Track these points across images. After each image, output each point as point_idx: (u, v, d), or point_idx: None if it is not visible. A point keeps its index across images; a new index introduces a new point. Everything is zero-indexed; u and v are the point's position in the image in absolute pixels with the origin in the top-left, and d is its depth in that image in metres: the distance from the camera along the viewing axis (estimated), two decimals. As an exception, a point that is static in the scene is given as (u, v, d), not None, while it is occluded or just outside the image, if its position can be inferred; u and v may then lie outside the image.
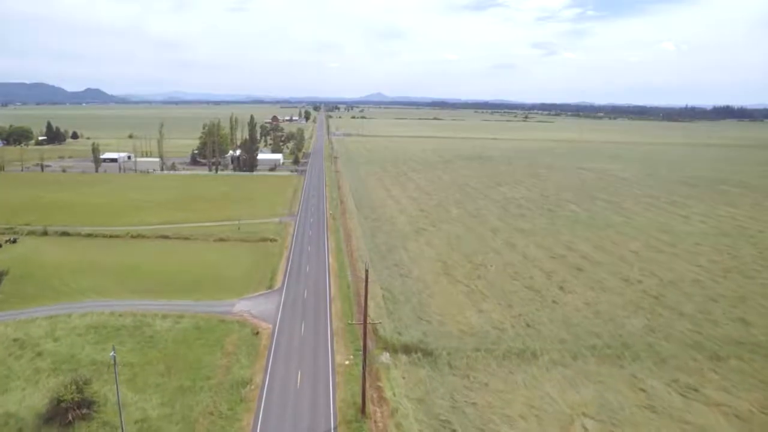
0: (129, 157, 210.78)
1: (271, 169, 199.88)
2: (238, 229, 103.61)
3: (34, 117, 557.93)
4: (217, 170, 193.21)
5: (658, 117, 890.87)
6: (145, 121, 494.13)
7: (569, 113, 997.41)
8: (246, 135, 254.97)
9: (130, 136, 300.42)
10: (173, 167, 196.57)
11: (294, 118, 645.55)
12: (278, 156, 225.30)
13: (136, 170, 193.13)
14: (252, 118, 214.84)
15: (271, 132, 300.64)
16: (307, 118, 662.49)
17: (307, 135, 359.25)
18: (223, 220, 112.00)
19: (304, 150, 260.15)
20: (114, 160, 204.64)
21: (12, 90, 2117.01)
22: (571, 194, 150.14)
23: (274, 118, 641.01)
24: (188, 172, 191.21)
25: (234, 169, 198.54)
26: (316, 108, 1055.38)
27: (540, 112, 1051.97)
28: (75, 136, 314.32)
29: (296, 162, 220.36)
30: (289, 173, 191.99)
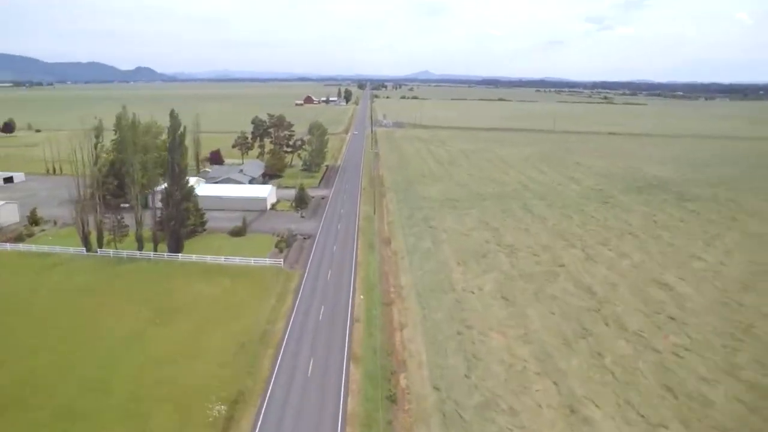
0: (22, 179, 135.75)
1: (236, 234, 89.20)
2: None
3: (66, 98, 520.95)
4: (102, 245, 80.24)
5: (738, 96, 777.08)
6: (177, 99, 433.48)
7: (645, 93, 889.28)
8: (247, 135, 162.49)
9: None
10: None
11: (332, 99, 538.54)
12: (264, 193, 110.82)
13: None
14: (173, 112, 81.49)
15: (274, 130, 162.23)
16: (347, 99, 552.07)
17: (341, 128, 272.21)
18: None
19: (327, 163, 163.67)
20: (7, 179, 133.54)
21: (68, 69, 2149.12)
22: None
23: (307, 99, 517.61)
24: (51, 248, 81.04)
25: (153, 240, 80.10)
26: (361, 86, 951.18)
27: (603, 90, 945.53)
28: (35, 129, 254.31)
29: (301, 204, 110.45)
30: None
